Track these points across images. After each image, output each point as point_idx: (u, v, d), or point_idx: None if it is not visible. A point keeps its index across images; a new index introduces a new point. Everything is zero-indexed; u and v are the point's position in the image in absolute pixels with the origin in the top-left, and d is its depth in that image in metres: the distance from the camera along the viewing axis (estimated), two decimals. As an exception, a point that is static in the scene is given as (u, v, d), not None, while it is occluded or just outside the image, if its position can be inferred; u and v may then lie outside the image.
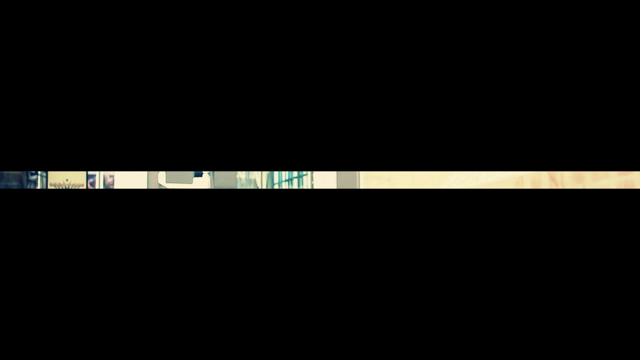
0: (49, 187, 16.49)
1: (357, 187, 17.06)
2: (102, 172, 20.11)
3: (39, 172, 17.09)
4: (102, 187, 20.50)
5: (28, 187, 15.62)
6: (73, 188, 17.36)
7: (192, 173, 22.16)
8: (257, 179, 24.55)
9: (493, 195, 5.75)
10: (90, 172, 18.88)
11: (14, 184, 12.95)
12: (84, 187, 17.43)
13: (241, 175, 24.21)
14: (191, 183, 22.25)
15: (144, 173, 19.98)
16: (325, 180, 22.49)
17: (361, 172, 19.17)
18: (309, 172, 22.42)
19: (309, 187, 22.04)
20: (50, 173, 16.38)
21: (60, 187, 16.83)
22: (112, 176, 19.31)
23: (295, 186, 22.17)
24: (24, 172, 13.91)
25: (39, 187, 16.63)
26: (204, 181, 20.89)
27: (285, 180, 23.56)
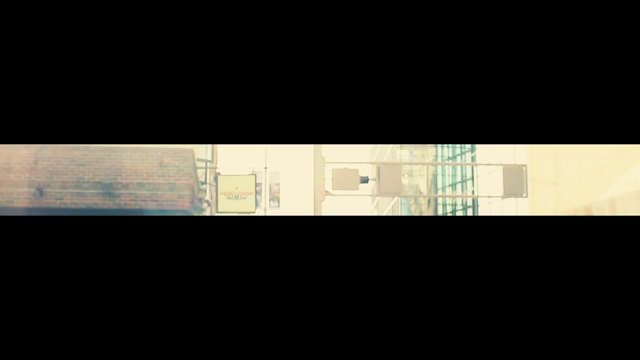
0: (219, 194, 17.34)
1: (524, 190, 16.36)
2: (268, 181, 20.85)
3: (208, 181, 18.02)
4: (268, 193, 21.20)
5: (199, 196, 16.51)
6: (242, 197, 18.06)
7: (358, 179, 22.41)
8: (421, 184, 24.22)
9: None
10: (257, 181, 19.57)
11: (186, 193, 13.77)
12: (253, 194, 18.09)
13: (405, 181, 24.02)
14: (357, 189, 22.46)
15: (311, 181, 20.36)
16: (489, 181, 21.78)
17: (528, 174, 18.37)
18: (474, 176, 21.85)
19: (473, 192, 21.47)
20: (220, 181, 17.21)
21: (231, 195, 17.63)
22: (277, 184, 19.90)
23: (459, 191, 21.64)
24: (195, 180, 14.72)
25: (207, 197, 17.53)
26: (369, 187, 20.86)
27: (449, 185, 23.05)
